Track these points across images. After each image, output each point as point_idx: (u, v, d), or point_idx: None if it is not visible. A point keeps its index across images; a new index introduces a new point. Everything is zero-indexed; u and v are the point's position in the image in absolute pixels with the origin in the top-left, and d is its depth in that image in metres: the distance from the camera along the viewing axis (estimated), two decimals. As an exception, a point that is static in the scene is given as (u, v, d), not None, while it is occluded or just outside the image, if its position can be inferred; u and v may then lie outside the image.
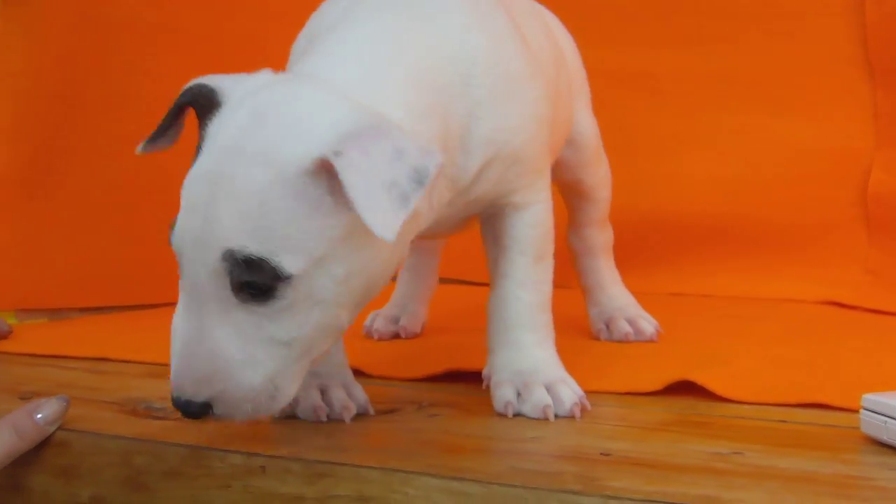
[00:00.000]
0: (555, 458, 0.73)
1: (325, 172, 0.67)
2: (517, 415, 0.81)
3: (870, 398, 0.74)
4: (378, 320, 1.09)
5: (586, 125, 1.04)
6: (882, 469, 0.69)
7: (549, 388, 0.81)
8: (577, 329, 1.08)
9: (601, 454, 0.72)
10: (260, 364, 0.69)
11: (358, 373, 0.87)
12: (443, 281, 1.18)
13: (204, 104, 0.73)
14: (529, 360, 0.83)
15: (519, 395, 0.81)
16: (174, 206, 1.25)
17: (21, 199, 1.19)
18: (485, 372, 0.85)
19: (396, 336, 1.09)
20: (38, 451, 0.79)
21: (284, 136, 0.68)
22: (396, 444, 0.76)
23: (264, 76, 0.74)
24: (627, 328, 1.06)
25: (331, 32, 0.78)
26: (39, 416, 0.76)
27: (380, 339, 1.08)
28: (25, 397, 0.88)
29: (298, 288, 0.68)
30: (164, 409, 0.84)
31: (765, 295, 1.27)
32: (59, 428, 0.79)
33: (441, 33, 0.78)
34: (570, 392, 0.81)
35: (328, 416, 0.80)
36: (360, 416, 0.81)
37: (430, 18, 0.79)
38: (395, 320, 1.09)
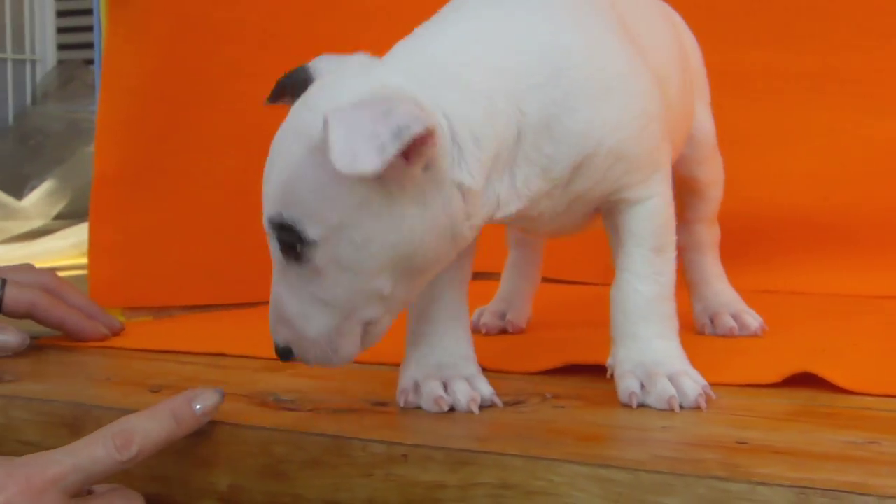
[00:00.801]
0: (691, 446, 0.74)
1: None
2: (641, 406, 0.82)
3: None
4: (486, 315, 1.10)
5: (705, 123, 1.06)
6: None
7: (672, 380, 0.82)
8: (680, 324, 1.09)
9: (737, 442, 0.73)
10: (311, 318, 0.77)
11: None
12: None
13: (297, 84, 0.81)
14: (651, 352, 0.84)
15: (643, 386, 0.83)
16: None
17: (129, 199, 1.22)
18: (609, 362, 0.86)
19: (503, 331, 1.10)
20: (177, 440, 0.81)
21: (314, 114, 0.74)
22: (532, 433, 0.77)
23: (356, 59, 0.82)
24: (732, 323, 1.07)
25: (434, 19, 0.83)
26: (198, 406, 0.78)
27: (487, 334, 1.09)
28: (156, 390, 0.90)
29: (323, 252, 0.75)
30: (294, 401, 0.86)
31: (859, 291, 1.28)
32: (197, 419, 0.81)
33: (535, 29, 0.81)
34: (692, 383, 0.82)
35: (453, 407, 0.82)
36: (488, 407, 0.83)
37: (527, 15, 0.81)
38: (502, 316, 1.11)
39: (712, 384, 0.85)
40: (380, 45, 1.31)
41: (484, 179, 0.78)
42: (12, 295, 1.06)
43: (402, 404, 0.83)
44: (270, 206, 0.76)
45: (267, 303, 1.25)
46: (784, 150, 1.33)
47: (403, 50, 0.81)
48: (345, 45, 1.34)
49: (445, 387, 0.83)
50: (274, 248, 0.77)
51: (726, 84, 1.24)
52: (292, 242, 0.75)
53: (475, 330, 1.10)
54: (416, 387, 0.83)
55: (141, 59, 1.20)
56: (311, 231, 0.74)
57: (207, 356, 1.04)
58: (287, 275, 0.77)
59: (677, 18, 1.04)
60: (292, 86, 0.81)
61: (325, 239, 0.74)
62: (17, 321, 1.08)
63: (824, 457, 0.71)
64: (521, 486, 0.71)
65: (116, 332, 1.13)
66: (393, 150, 0.70)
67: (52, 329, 1.10)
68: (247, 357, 1.02)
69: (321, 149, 0.72)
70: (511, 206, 0.80)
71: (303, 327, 0.77)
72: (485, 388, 0.84)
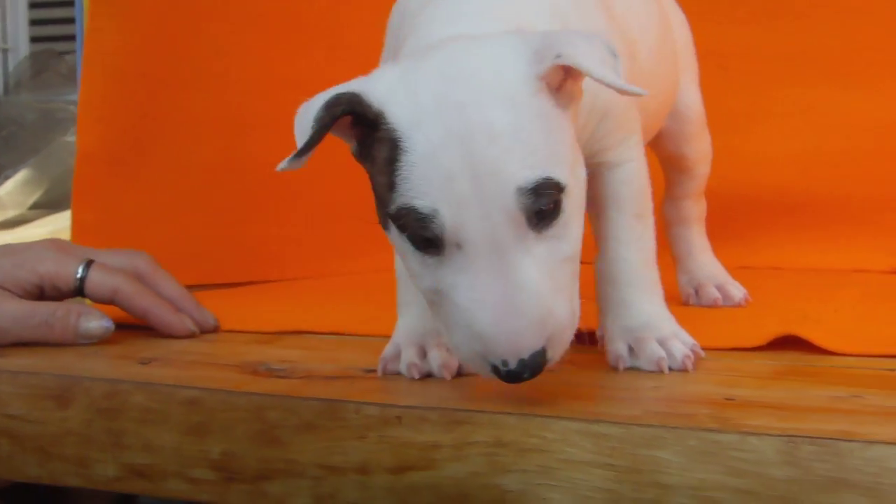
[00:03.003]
0: (681, 402, 0.75)
1: (546, 88, 0.72)
2: (630, 369, 0.83)
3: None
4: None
5: (692, 99, 1.07)
6: None
7: (661, 343, 0.83)
8: (666, 295, 1.10)
9: (726, 399, 0.75)
10: (565, 288, 0.72)
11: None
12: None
13: (360, 109, 0.74)
14: (639, 317, 0.85)
15: (632, 350, 0.84)
16: (257, 188, 1.29)
17: (108, 177, 1.22)
18: (598, 332, 0.87)
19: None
20: (168, 409, 0.81)
21: (508, 72, 0.72)
22: (524, 393, 0.78)
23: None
24: (716, 294, 1.08)
25: None
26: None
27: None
28: (145, 363, 0.91)
29: (571, 196, 0.72)
30: (286, 370, 0.87)
31: (835, 266, 1.30)
32: (188, 387, 0.82)
33: None
34: (681, 345, 0.83)
35: (427, 374, 0.82)
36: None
37: None
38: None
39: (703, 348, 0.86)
40: (365, 24, 1.32)
41: None
42: (96, 279, 1.00)
43: (379, 372, 0.84)
44: (510, 177, 0.69)
45: (246, 283, 1.27)
46: (763, 129, 1.34)
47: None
48: (330, 25, 1.36)
49: (424, 353, 0.84)
50: (511, 232, 0.70)
51: (705, 63, 1.25)
52: (549, 200, 0.70)
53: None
54: (397, 355, 0.84)
55: (123, 37, 1.21)
56: (562, 176, 0.71)
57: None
58: (534, 251, 0.70)
59: None
60: (360, 112, 0.74)
61: (570, 182, 0.72)
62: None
63: (811, 410, 0.72)
64: (515, 443, 0.71)
65: (207, 330, 1.04)
66: (620, 69, 0.71)
67: (137, 318, 1.02)
68: (236, 332, 1.03)
69: (534, 100, 0.71)
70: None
71: (560, 308, 0.71)
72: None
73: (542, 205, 0.70)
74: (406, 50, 0.80)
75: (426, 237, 0.71)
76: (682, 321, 0.88)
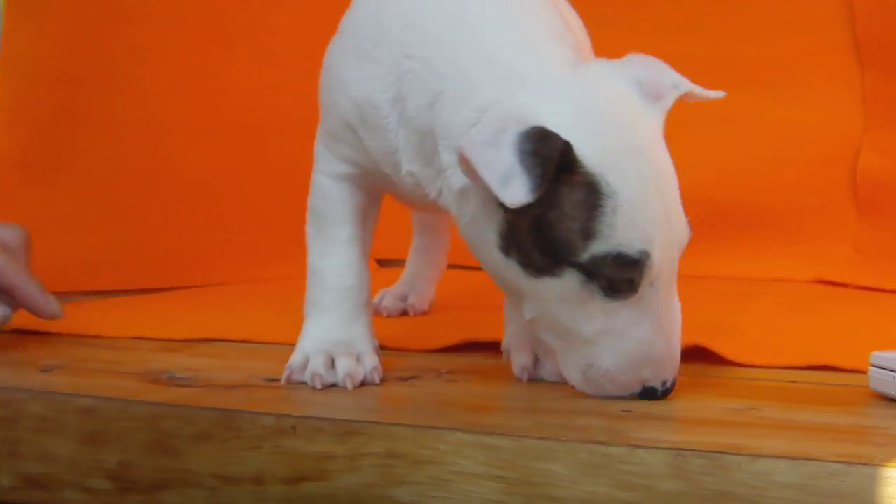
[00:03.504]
0: (579, 414, 0.75)
1: None
2: (534, 380, 0.83)
3: (878, 355, 0.77)
4: (387, 298, 1.10)
5: None
6: (893, 420, 0.72)
7: None
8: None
9: (623, 411, 0.75)
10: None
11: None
12: (450, 266, 1.20)
13: (569, 154, 0.72)
14: None
15: (537, 361, 0.83)
16: (177, 194, 1.28)
17: (22, 182, 1.19)
18: (504, 345, 0.87)
19: (405, 314, 1.11)
20: (64, 418, 0.80)
21: (649, 113, 0.77)
22: (421, 405, 0.78)
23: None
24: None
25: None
26: None
27: (388, 317, 1.09)
28: (47, 370, 0.89)
29: None
30: (188, 378, 0.86)
31: (756, 275, 1.30)
32: (84, 395, 0.80)
33: None
34: None
35: (331, 385, 0.81)
36: (384, 382, 0.83)
37: None
38: (404, 298, 1.11)
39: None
40: (290, 31, 1.32)
41: None
42: None
43: (283, 380, 0.83)
44: (685, 222, 0.77)
45: (166, 289, 1.25)
46: (683, 138, 1.32)
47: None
48: (254, 30, 1.35)
49: (333, 362, 0.83)
50: (675, 269, 0.77)
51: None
52: None
53: (376, 312, 1.10)
54: (305, 364, 0.83)
55: (40, 39, 1.18)
56: None
57: (107, 339, 1.02)
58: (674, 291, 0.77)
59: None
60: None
61: None
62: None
63: (705, 422, 0.72)
64: (408, 455, 0.71)
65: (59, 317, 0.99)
66: None
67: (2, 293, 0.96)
68: (145, 339, 1.01)
69: (663, 140, 0.77)
70: None
71: (678, 338, 0.77)
72: (368, 364, 0.83)
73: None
74: (484, 75, 0.76)
75: (628, 279, 0.73)
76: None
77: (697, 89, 0.79)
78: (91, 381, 0.85)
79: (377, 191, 0.88)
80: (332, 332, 0.85)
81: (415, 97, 0.78)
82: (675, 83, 0.78)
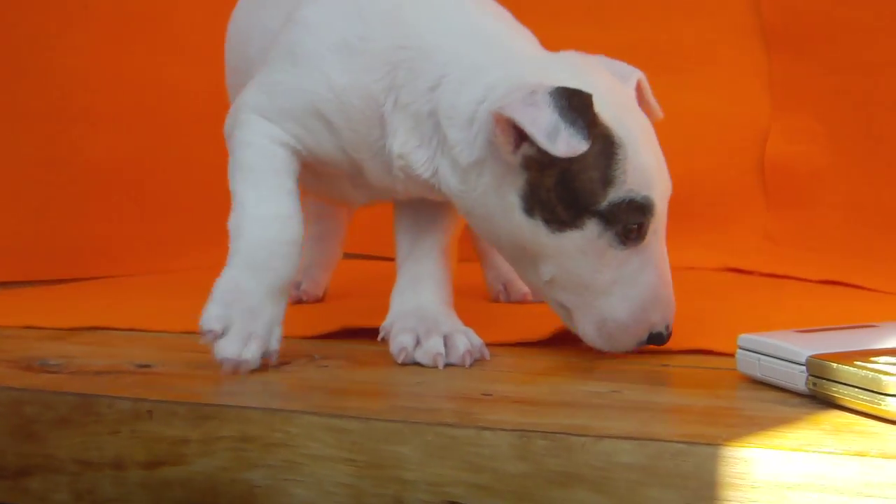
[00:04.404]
0: (437, 398, 0.74)
1: None
2: (411, 363, 0.83)
3: (745, 337, 0.77)
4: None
5: None
6: (752, 401, 0.72)
7: (446, 338, 0.83)
8: (476, 295, 1.11)
9: (483, 395, 0.74)
10: None
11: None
12: (349, 256, 1.20)
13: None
14: (427, 312, 0.85)
15: (418, 342, 0.83)
16: (83, 183, 1.26)
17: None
18: (383, 325, 0.87)
19: (299, 301, 1.10)
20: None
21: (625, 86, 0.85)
22: (282, 389, 0.77)
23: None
24: (525, 289, 1.08)
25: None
26: None
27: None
28: (-80, 357, 0.88)
29: None
30: (60, 364, 0.85)
31: (676, 264, 1.29)
32: (-51, 382, 0.80)
33: None
34: (465, 340, 0.83)
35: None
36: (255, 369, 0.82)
37: None
38: (297, 285, 1.10)
39: (487, 343, 0.86)
40: (197, 22, 1.30)
41: None
42: None
43: (202, 341, 0.80)
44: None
45: (69, 281, 1.24)
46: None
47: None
48: (162, 21, 1.34)
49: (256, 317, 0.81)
50: (663, 222, 0.82)
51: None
52: None
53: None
54: (224, 326, 0.80)
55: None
56: None
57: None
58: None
59: None
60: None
61: None
62: None
63: (561, 405, 0.72)
64: (260, 438, 0.70)
65: None
66: None
67: None
68: (34, 328, 1.00)
69: None
70: None
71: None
72: (275, 342, 0.82)
73: None
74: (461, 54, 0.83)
75: (638, 224, 0.79)
76: (480, 316, 0.88)
77: (649, 91, 0.88)
78: (-39, 368, 0.84)
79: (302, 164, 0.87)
80: (254, 298, 0.81)
81: (412, 84, 0.83)
82: (634, 70, 0.87)
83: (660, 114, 0.88)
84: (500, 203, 0.80)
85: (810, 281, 1.18)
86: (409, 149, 0.83)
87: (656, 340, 0.82)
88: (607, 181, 0.78)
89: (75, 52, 1.26)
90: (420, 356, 0.82)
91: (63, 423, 0.75)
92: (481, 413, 0.69)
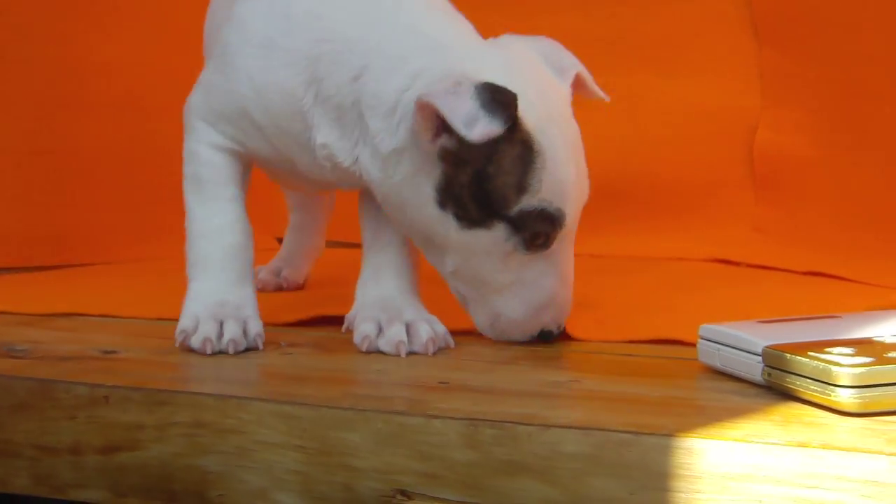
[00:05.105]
0: (393, 385, 0.74)
1: None
2: (374, 351, 0.83)
3: (706, 327, 0.76)
4: (262, 272, 1.10)
5: None
6: (708, 391, 0.71)
7: (409, 326, 0.83)
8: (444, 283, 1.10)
9: (439, 383, 0.74)
10: None
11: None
12: (332, 244, 1.20)
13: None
14: (391, 300, 0.85)
15: (380, 330, 0.83)
16: (63, 170, 1.26)
17: None
18: (348, 315, 0.87)
19: (280, 288, 1.10)
20: None
21: (563, 87, 0.84)
22: (240, 376, 0.77)
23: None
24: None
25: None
26: None
27: (263, 290, 1.08)
28: None
29: None
30: (25, 350, 0.85)
31: (653, 254, 1.28)
32: None
33: None
34: (428, 328, 0.83)
35: (219, 350, 0.81)
36: (217, 356, 0.82)
37: None
38: (278, 272, 1.10)
39: (455, 331, 0.85)
40: (179, 10, 1.30)
41: None
42: None
43: (177, 345, 0.82)
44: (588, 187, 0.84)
45: (54, 266, 1.24)
46: (579, 114, 1.32)
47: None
48: (143, 9, 1.33)
49: (222, 326, 0.83)
50: (573, 229, 0.83)
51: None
52: None
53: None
54: (196, 328, 0.82)
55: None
56: None
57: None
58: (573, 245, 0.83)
59: None
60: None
61: None
62: None
63: (517, 394, 0.71)
64: (213, 424, 0.71)
65: None
66: None
67: None
68: (7, 313, 1.01)
69: None
70: None
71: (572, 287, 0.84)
72: (252, 330, 0.83)
73: None
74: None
75: (546, 234, 0.80)
76: (449, 305, 0.87)
77: (590, 81, 0.87)
78: (-74, 353, 0.84)
79: (250, 161, 0.90)
80: (221, 292, 0.85)
81: (334, 76, 0.83)
82: (573, 62, 0.86)
83: (606, 98, 0.87)
84: (416, 193, 0.80)
85: (797, 272, 1.17)
86: (331, 139, 0.84)
87: (546, 337, 0.84)
88: (521, 188, 0.78)
89: (60, 41, 1.26)
90: (383, 344, 0.82)
91: (21, 408, 0.76)
92: (434, 401, 0.69)
